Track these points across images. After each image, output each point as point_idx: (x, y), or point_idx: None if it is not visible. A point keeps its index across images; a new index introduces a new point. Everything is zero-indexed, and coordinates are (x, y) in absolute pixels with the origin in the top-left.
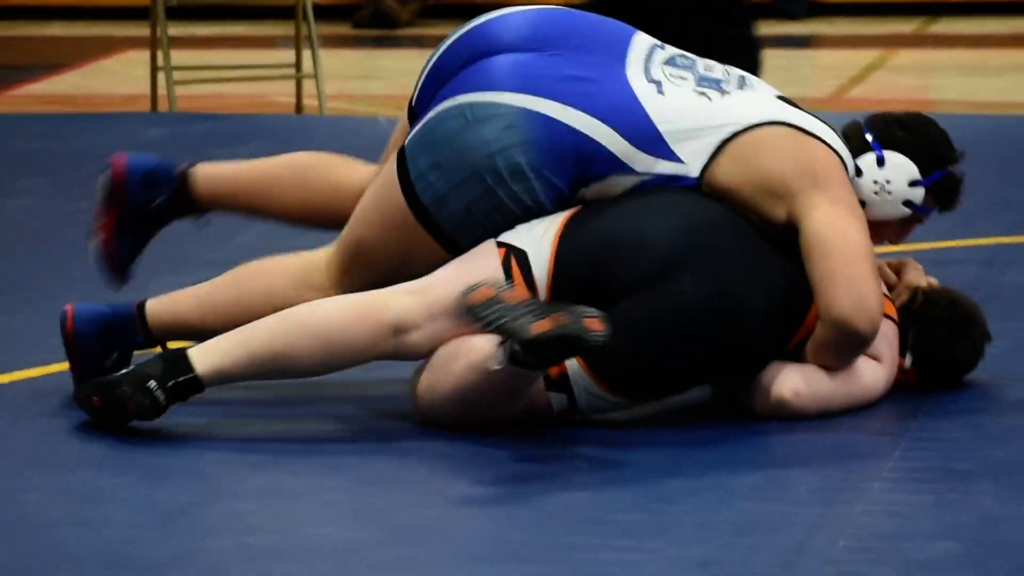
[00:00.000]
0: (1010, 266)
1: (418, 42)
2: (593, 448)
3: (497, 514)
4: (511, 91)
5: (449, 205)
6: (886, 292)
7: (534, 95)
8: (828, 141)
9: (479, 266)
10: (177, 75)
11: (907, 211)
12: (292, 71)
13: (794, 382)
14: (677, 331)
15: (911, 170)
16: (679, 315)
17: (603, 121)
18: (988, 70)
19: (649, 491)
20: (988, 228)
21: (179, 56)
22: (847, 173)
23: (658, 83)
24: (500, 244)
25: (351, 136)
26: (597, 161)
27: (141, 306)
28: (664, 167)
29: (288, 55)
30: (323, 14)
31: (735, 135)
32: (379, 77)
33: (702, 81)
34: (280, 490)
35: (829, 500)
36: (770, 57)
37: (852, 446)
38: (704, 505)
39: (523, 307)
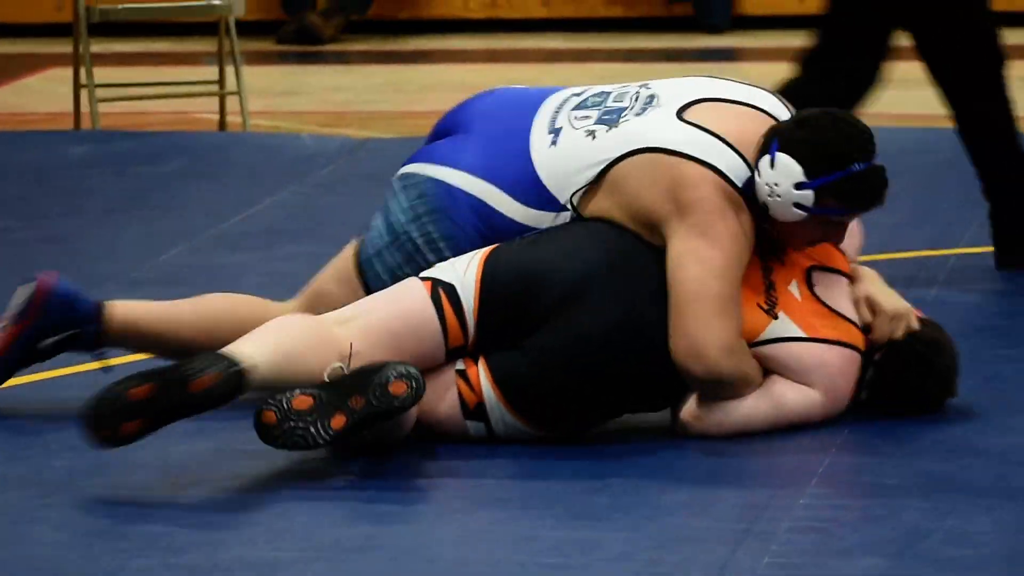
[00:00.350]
0: (934, 280)
1: (342, 58)
2: (519, 465)
3: (423, 531)
4: (427, 162)
5: (376, 267)
6: (856, 321)
7: (445, 165)
8: (702, 158)
9: (406, 298)
10: (100, 92)
11: (801, 214)
12: (215, 88)
13: (694, 407)
14: (582, 359)
15: (795, 172)
16: (583, 343)
17: (502, 189)
18: (911, 82)
19: (576, 508)
20: (912, 242)
21: (102, 73)
22: (728, 187)
23: (557, 131)
24: (424, 279)
25: (275, 153)
26: (500, 228)
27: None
28: (559, 218)
29: (212, 72)
30: (247, 30)
31: (605, 170)
32: (303, 93)
33: (603, 116)
34: (204, 509)
35: (755, 516)
36: (694, 70)
37: (778, 461)
38: (631, 522)
39: (314, 410)
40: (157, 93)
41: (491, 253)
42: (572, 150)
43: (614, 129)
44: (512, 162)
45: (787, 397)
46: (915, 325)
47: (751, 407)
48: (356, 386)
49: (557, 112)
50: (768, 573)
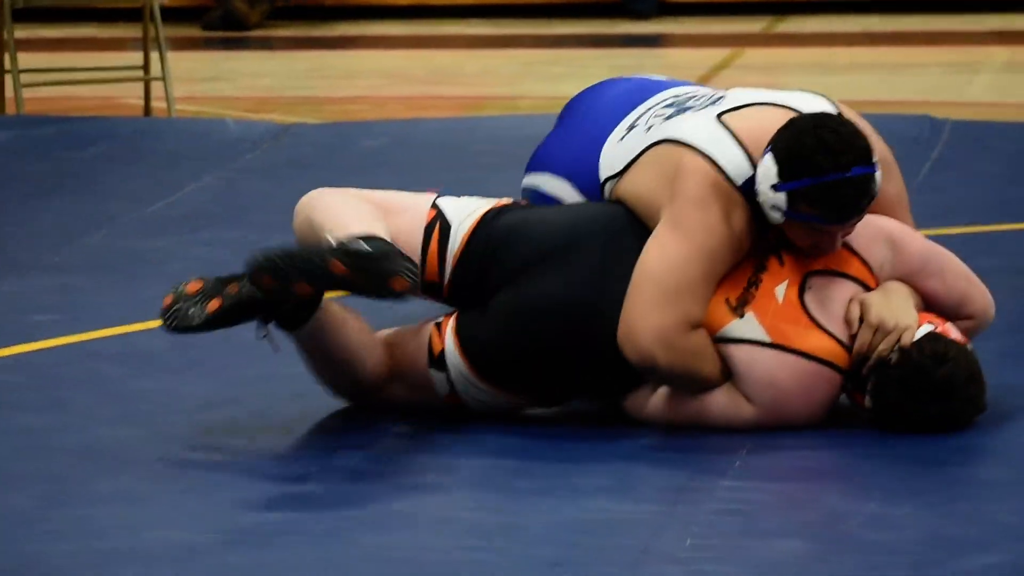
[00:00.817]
0: None
1: (267, 44)
2: (440, 448)
3: (344, 515)
4: (531, 171)
5: None
6: (839, 336)
7: (539, 171)
8: (704, 150)
9: (410, 216)
10: (24, 78)
11: (779, 216)
12: (140, 73)
13: (632, 398)
14: (526, 326)
15: (772, 174)
16: (529, 312)
17: (573, 185)
18: (835, 68)
19: (497, 491)
20: None
21: (27, 59)
22: (724, 182)
23: (632, 127)
24: (435, 205)
25: (200, 139)
26: None
27: None
28: None
29: (136, 57)
30: (172, 16)
31: (630, 163)
32: (228, 79)
33: (672, 113)
34: (127, 494)
35: (676, 499)
36: (619, 57)
37: (699, 445)
38: (552, 505)
39: (199, 294)
40: (82, 78)
41: (497, 207)
42: (628, 143)
43: (665, 123)
44: (587, 157)
45: (712, 405)
46: (907, 341)
47: (685, 409)
48: (237, 276)
49: (648, 111)
50: (689, 556)
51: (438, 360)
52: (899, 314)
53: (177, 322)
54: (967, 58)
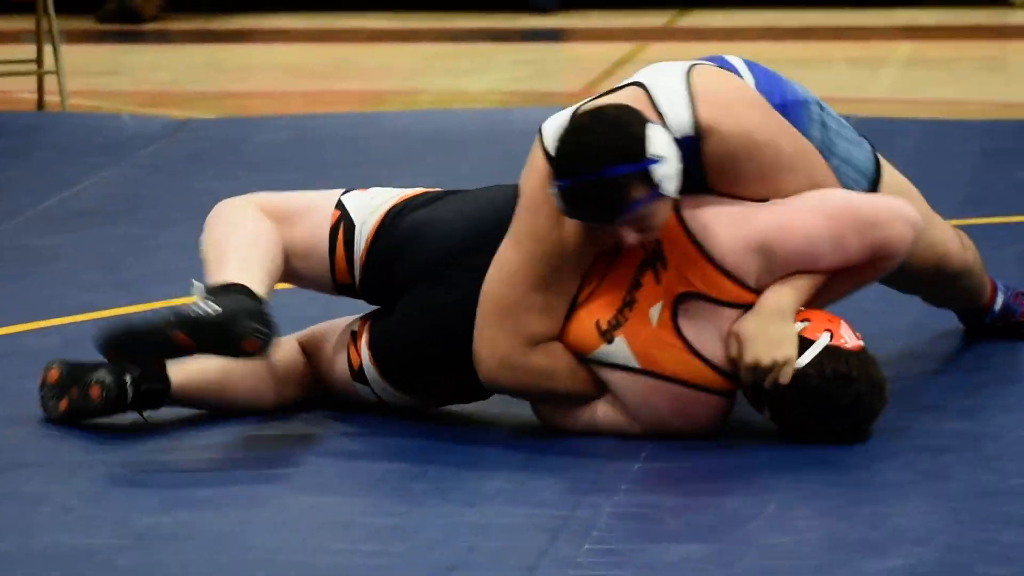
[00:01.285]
0: None
1: (163, 37)
2: (337, 450)
3: (239, 518)
4: None
5: None
6: (713, 361)
7: None
8: (547, 145)
9: (316, 221)
10: None
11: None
12: (33, 67)
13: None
14: (429, 329)
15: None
16: (432, 313)
17: None
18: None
19: (395, 494)
20: None
21: None
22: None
23: None
24: (339, 205)
25: (94, 133)
26: None
27: None
28: None
29: (30, 50)
30: (66, 8)
31: None
32: (124, 73)
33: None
34: (16, 495)
35: (575, 503)
36: (521, 51)
37: (600, 448)
38: (450, 508)
39: (55, 387)
40: None
41: (403, 201)
42: None
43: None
44: None
45: (598, 413)
46: (785, 378)
47: (576, 415)
48: (77, 378)
49: None
50: (588, 560)
51: (359, 373)
52: (774, 348)
53: (43, 410)
54: (871, 53)
